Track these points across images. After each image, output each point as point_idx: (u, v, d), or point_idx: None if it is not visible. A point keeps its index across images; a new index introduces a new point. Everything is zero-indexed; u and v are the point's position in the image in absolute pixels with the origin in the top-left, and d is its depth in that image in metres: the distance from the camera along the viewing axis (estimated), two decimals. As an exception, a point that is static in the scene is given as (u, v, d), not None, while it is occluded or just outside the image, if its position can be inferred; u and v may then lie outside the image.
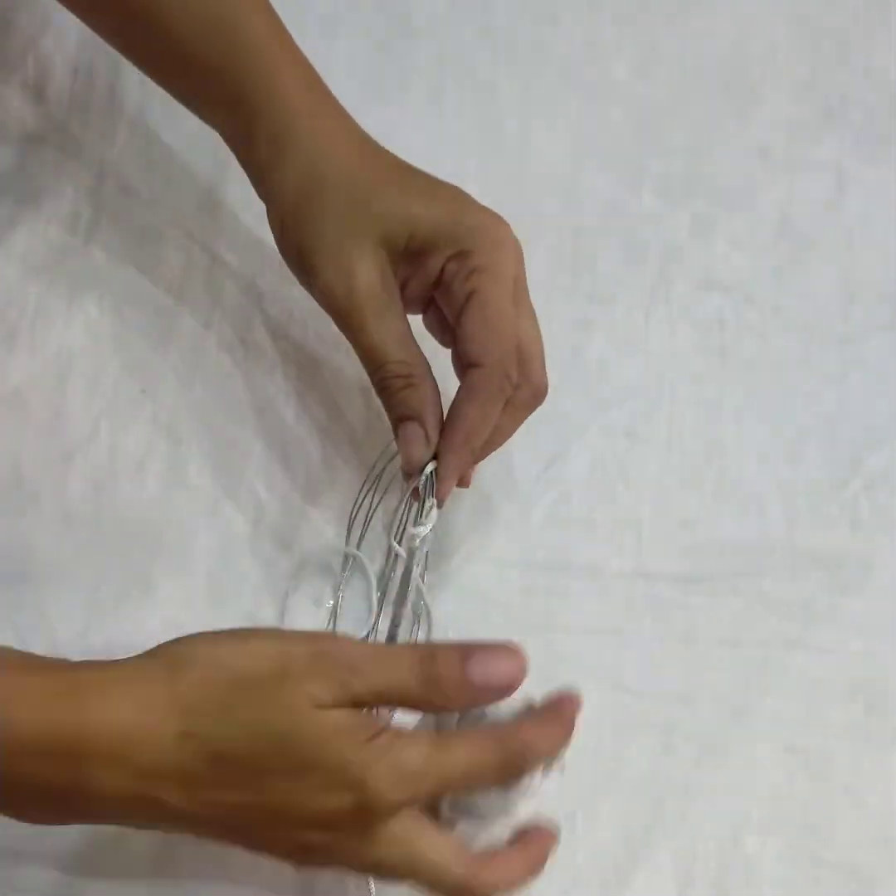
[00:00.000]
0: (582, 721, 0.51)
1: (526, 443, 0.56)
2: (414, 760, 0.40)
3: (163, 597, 0.53)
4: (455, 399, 0.48)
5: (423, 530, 0.49)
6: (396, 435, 0.49)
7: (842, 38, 0.65)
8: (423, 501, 0.49)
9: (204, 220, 0.59)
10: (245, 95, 0.49)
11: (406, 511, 0.51)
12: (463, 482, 0.51)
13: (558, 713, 0.44)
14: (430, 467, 0.48)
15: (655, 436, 0.57)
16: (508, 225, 0.49)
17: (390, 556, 0.53)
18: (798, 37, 0.66)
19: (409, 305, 0.50)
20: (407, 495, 0.51)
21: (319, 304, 0.50)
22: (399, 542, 0.51)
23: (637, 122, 0.64)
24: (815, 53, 0.65)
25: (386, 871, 0.42)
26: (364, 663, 0.41)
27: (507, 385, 0.48)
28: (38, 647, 0.51)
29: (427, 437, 0.48)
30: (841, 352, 0.59)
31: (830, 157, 0.63)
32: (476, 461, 0.50)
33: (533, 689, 0.52)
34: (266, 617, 0.53)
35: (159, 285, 0.58)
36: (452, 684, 0.41)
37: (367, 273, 0.48)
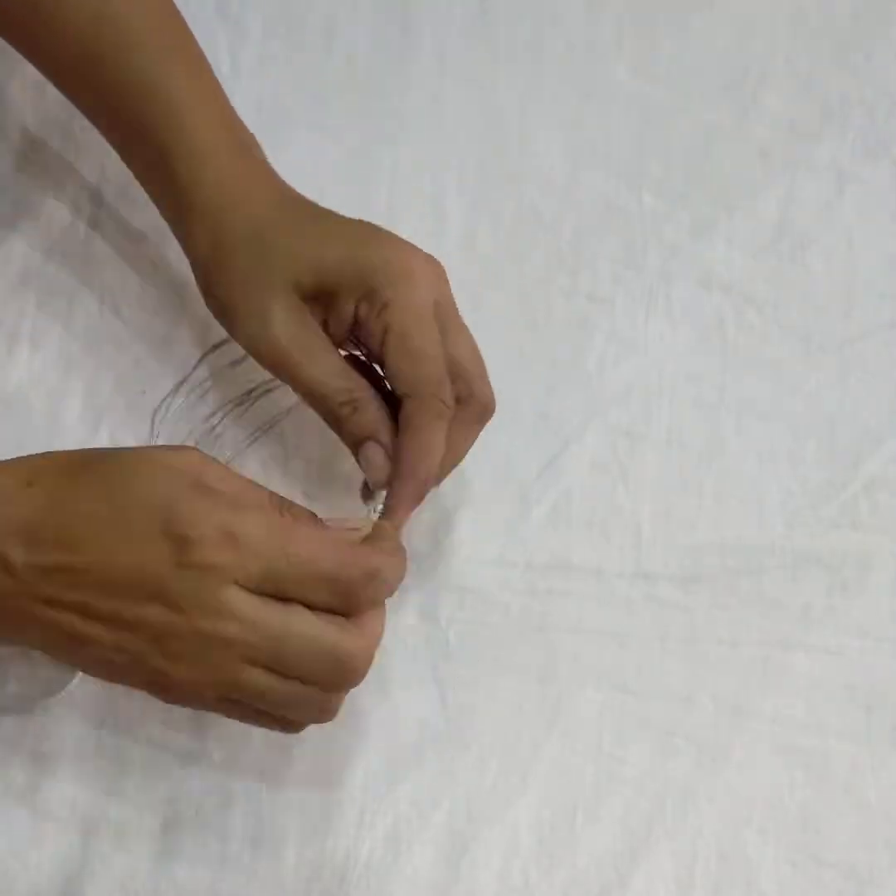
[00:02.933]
0: (582, 721, 0.52)
1: (526, 443, 0.57)
2: (251, 528, 0.41)
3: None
4: (399, 432, 0.48)
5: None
6: (359, 461, 0.49)
7: (842, 38, 0.66)
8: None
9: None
10: (162, 147, 0.50)
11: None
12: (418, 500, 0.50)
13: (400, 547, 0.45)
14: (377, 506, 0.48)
15: (655, 436, 0.57)
16: (419, 252, 0.49)
17: None
18: (798, 37, 0.66)
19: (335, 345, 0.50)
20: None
21: (255, 359, 0.50)
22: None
23: (637, 122, 0.64)
24: (815, 53, 0.65)
25: (239, 647, 0.41)
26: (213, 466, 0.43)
27: (443, 409, 0.48)
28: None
29: (387, 453, 0.48)
30: (841, 352, 0.59)
31: (830, 157, 0.63)
32: (436, 483, 0.49)
33: (532, 686, 0.52)
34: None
35: (159, 285, 0.58)
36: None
37: (283, 318, 0.48)
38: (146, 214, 0.59)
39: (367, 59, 0.65)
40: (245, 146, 0.52)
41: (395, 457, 0.48)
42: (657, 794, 0.51)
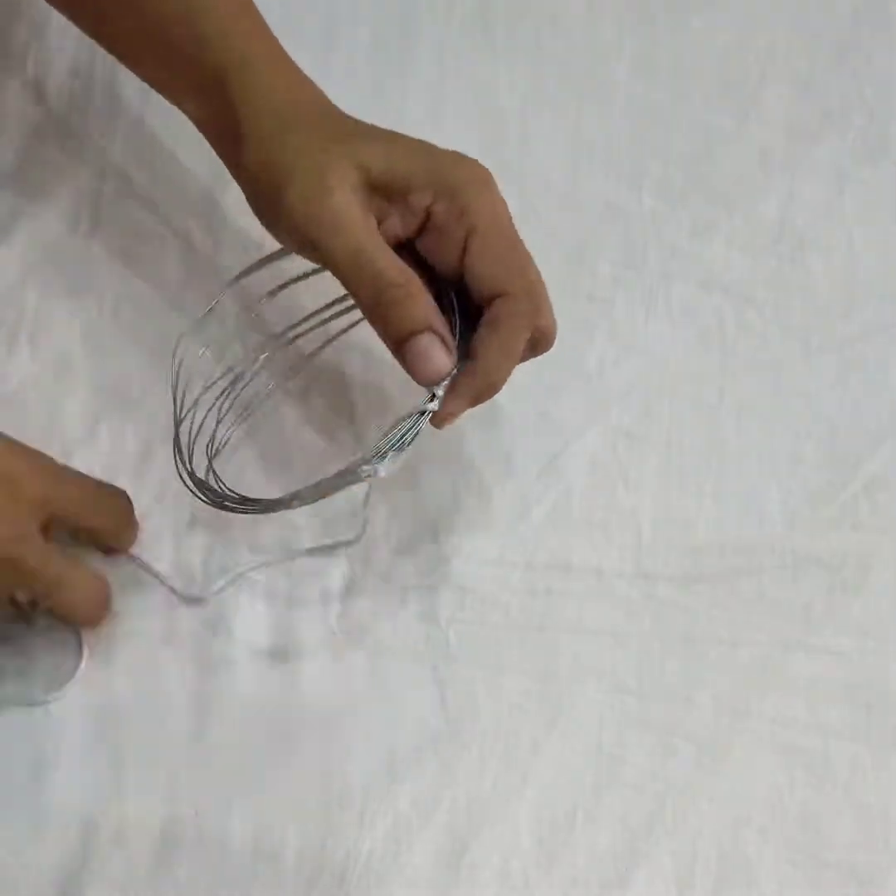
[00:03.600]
0: (582, 721, 0.52)
1: (526, 443, 0.57)
2: None
3: (161, 597, 0.53)
4: (477, 334, 0.46)
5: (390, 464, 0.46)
6: (402, 355, 0.46)
7: (842, 38, 0.66)
8: (404, 434, 0.46)
9: (204, 220, 0.59)
10: (216, 76, 0.49)
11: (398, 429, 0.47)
12: (437, 421, 0.47)
13: None
14: (433, 404, 0.46)
15: (655, 436, 0.57)
16: (486, 168, 0.48)
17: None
18: (798, 37, 0.66)
19: None
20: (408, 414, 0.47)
21: (291, 242, 0.48)
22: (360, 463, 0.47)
23: (637, 123, 0.64)
24: (815, 53, 0.65)
25: None
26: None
27: (531, 312, 0.47)
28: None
29: (445, 343, 0.46)
30: (841, 352, 0.59)
31: (830, 157, 0.63)
32: (497, 391, 0.47)
33: (532, 686, 0.52)
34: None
35: (159, 285, 0.58)
36: None
37: (348, 190, 0.46)
38: (146, 214, 0.59)
39: (367, 59, 0.65)
40: (300, 71, 0.51)
41: (474, 352, 0.46)
42: (657, 794, 0.51)
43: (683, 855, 0.50)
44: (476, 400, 0.47)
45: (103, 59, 0.62)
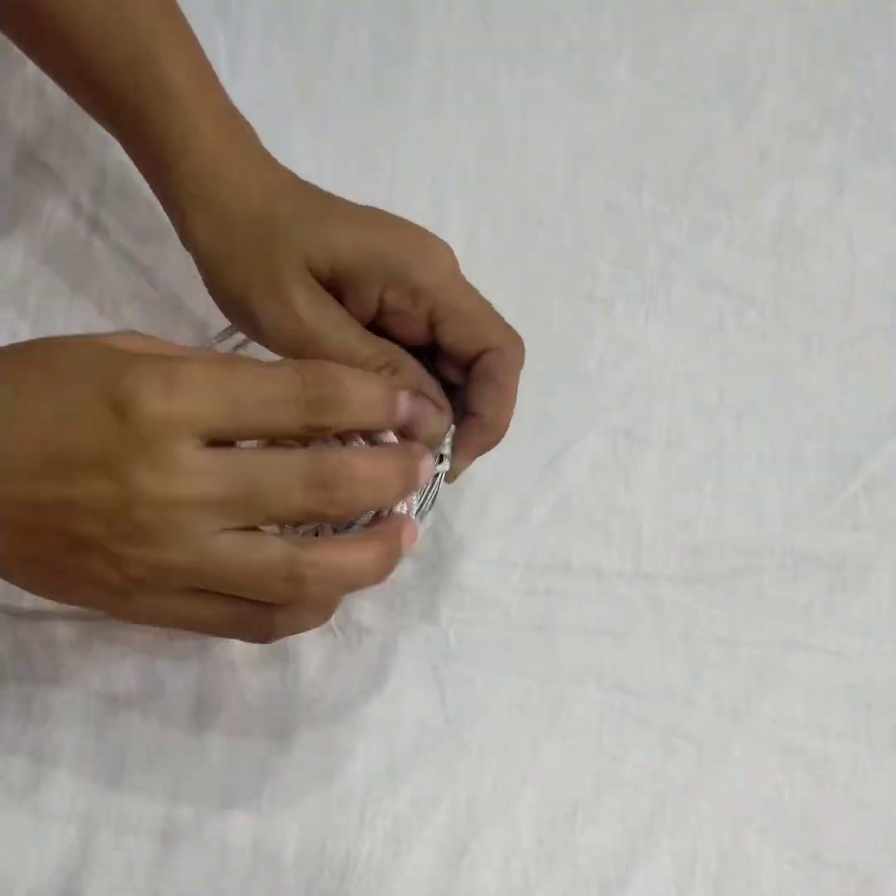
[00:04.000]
0: (582, 721, 0.52)
1: (526, 443, 0.57)
2: (194, 371, 0.37)
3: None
4: (469, 389, 0.47)
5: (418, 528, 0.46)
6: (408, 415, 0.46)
7: (842, 38, 0.65)
8: (424, 499, 0.47)
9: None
10: (161, 139, 0.49)
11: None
12: (450, 478, 0.49)
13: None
14: (443, 465, 0.47)
15: (655, 436, 0.57)
16: (425, 230, 0.48)
17: None
18: (798, 37, 0.66)
19: None
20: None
21: (272, 348, 0.48)
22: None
23: (637, 123, 0.64)
24: (815, 53, 0.65)
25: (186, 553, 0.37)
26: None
27: (520, 357, 0.48)
28: (37, 649, 0.52)
29: (436, 404, 0.47)
30: (841, 352, 0.59)
31: (830, 157, 0.63)
32: (499, 440, 0.49)
33: (532, 686, 0.52)
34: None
35: (159, 286, 0.58)
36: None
37: (304, 297, 0.46)
38: (146, 214, 0.59)
39: (367, 59, 0.65)
40: (243, 134, 0.51)
41: (470, 407, 0.47)
42: (657, 794, 0.51)
43: (683, 855, 0.50)
44: (483, 451, 0.48)
45: (103, 59, 0.62)
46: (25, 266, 0.58)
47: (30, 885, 0.48)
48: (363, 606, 0.53)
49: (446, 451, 0.47)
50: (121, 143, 0.52)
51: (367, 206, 0.48)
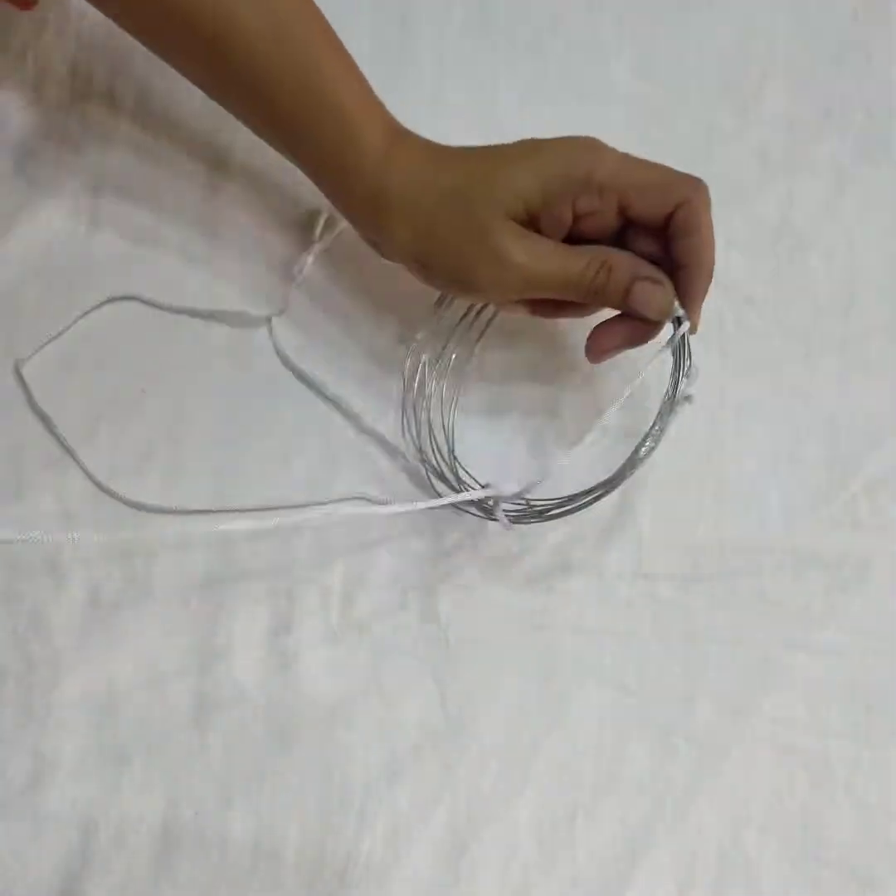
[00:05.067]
0: (582, 721, 0.52)
1: (526, 443, 0.57)
2: None
3: (161, 599, 0.53)
4: (674, 246, 0.50)
5: (691, 387, 0.51)
6: (629, 311, 0.50)
7: (842, 38, 0.65)
8: (681, 361, 0.51)
9: (203, 219, 0.59)
10: (334, 144, 0.51)
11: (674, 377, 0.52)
12: (693, 330, 0.52)
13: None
14: (683, 326, 0.50)
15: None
16: (573, 136, 0.51)
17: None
18: (798, 37, 0.65)
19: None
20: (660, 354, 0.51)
21: (496, 303, 0.53)
22: (671, 400, 0.52)
23: (637, 123, 0.64)
24: (815, 53, 0.65)
25: None
26: None
27: (706, 196, 0.50)
28: (37, 649, 0.52)
29: (655, 280, 0.50)
30: (841, 352, 0.59)
31: (830, 157, 0.63)
32: (711, 279, 0.51)
33: (532, 686, 0.52)
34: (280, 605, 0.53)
35: (159, 286, 0.58)
36: None
37: (515, 245, 0.49)
38: (146, 214, 0.59)
39: (367, 59, 0.64)
40: (407, 135, 0.53)
41: (680, 261, 0.50)
42: (657, 794, 0.51)
43: (683, 855, 0.50)
44: (706, 292, 0.51)
45: (103, 59, 0.62)
46: (25, 266, 0.58)
47: (30, 885, 0.48)
48: (363, 606, 0.53)
49: (680, 312, 0.50)
50: (291, 156, 0.53)
51: (520, 141, 0.51)
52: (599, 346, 0.52)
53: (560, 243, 0.50)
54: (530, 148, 0.51)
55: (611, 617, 0.54)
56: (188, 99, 0.60)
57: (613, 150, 0.50)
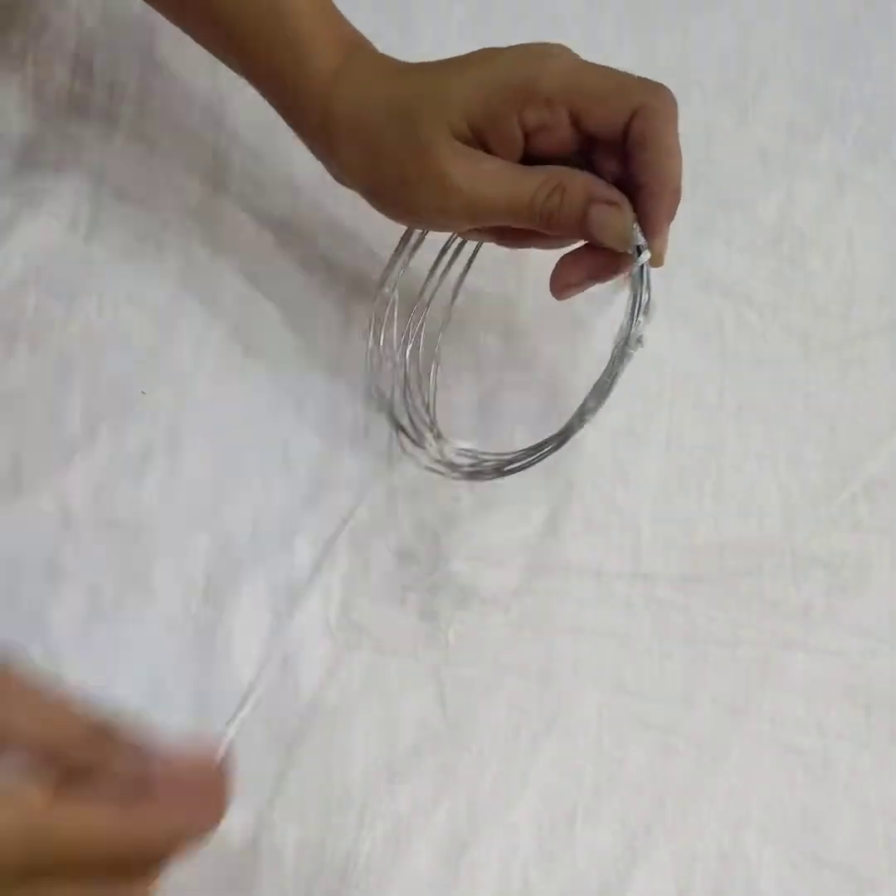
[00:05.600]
0: (582, 721, 0.52)
1: (526, 443, 0.57)
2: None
3: (161, 598, 0.53)
4: (631, 163, 0.46)
5: (643, 326, 0.47)
6: (593, 234, 0.46)
7: (842, 38, 0.65)
8: (639, 296, 0.47)
9: (204, 220, 0.59)
10: (286, 66, 0.49)
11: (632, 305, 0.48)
12: (657, 261, 0.48)
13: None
14: (643, 255, 0.47)
15: (655, 436, 0.57)
16: (535, 42, 0.47)
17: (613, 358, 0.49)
18: (798, 37, 0.66)
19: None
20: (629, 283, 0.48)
21: (446, 229, 0.49)
22: (623, 343, 0.49)
23: (637, 123, 0.64)
24: (815, 53, 0.65)
25: None
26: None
27: (670, 104, 0.46)
28: (37, 649, 0.52)
29: (611, 202, 0.46)
30: (841, 352, 0.59)
31: (830, 157, 0.63)
32: (678, 201, 0.48)
33: (532, 686, 0.52)
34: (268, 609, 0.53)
35: (159, 285, 0.58)
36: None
37: (455, 165, 0.45)
38: (145, 215, 0.59)
39: (367, 59, 0.64)
40: (363, 49, 0.51)
41: (638, 179, 0.46)
42: (657, 794, 0.51)
43: (683, 855, 0.50)
44: (670, 218, 0.47)
45: (103, 60, 0.62)
46: (26, 266, 0.58)
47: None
48: (363, 606, 0.53)
49: (641, 240, 0.47)
50: (245, 75, 0.51)
51: (478, 51, 0.48)
52: (562, 279, 0.49)
53: (510, 163, 0.46)
54: (480, 57, 0.47)
55: (610, 617, 0.54)
56: (188, 99, 0.60)
57: (567, 56, 0.46)
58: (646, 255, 0.47)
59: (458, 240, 0.53)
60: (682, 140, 0.63)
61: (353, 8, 0.66)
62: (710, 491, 0.56)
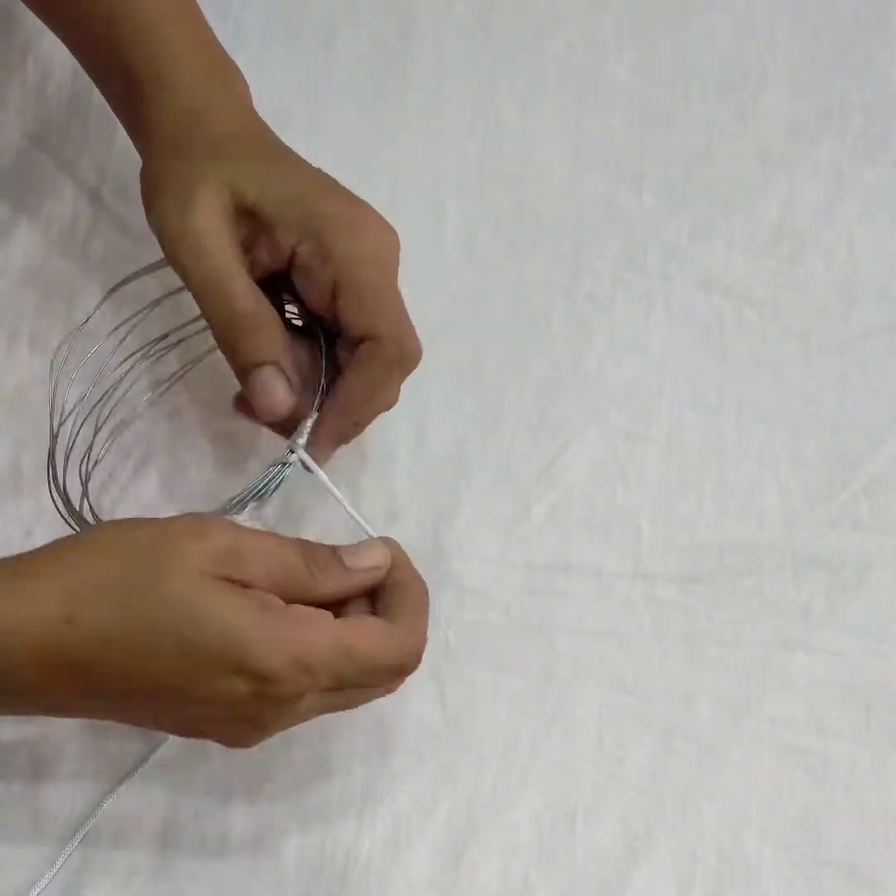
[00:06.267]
0: (582, 721, 0.52)
1: (526, 443, 0.57)
2: (319, 651, 0.40)
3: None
4: (342, 376, 0.47)
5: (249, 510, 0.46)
6: (246, 386, 0.46)
7: (842, 38, 0.65)
8: (263, 489, 0.46)
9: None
10: (132, 65, 0.49)
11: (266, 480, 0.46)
12: (344, 440, 0.49)
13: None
14: (293, 456, 0.46)
15: (655, 436, 0.57)
16: (374, 213, 0.47)
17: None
18: (798, 37, 0.66)
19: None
20: (275, 463, 0.46)
21: (171, 263, 0.48)
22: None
23: (637, 123, 0.64)
24: (815, 53, 0.65)
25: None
26: (246, 540, 0.41)
27: (400, 356, 0.46)
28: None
29: (289, 380, 0.46)
30: (841, 352, 0.59)
31: (830, 157, 0.63)
32: (360, 429, 0.48)
33: (532, 686, 0.52)
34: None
35: (159, 286, 0.58)
36: (331, 567, 0.43)
37: (213, 210, 0.45)
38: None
39: (367, 59, 0.65)
40: (220, 73, 0.50)
41: (338, 391, 0.46)
42: (657, 794, 0.51)
43: (683, 855, 0.50)
44: (341, 440, 0.48)
45: (103, 60, 0.62)
46: (26, 266, 0.58)
47: (30, 885, 0.48)
48: (363, 606, 0.53)
49: (301, 440, 0.46)
50: (98, 85, 0.52)
51: (321, 172, 0.48)
52: (242, 403, 0.49)
53: (249, 278, 0.46)
54: (319, 176, 0.48)
55: (610, 617, 0.54)
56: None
57: (382, 249, 0.47)
58: (294, 458, 0.46)
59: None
60: (682, 140, 0.63)
61: (354, 8, 0.66)
62: (710, 491, 0.56)
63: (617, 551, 0.55)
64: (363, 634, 0.42)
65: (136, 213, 0.59)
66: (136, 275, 0.52)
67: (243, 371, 0.46)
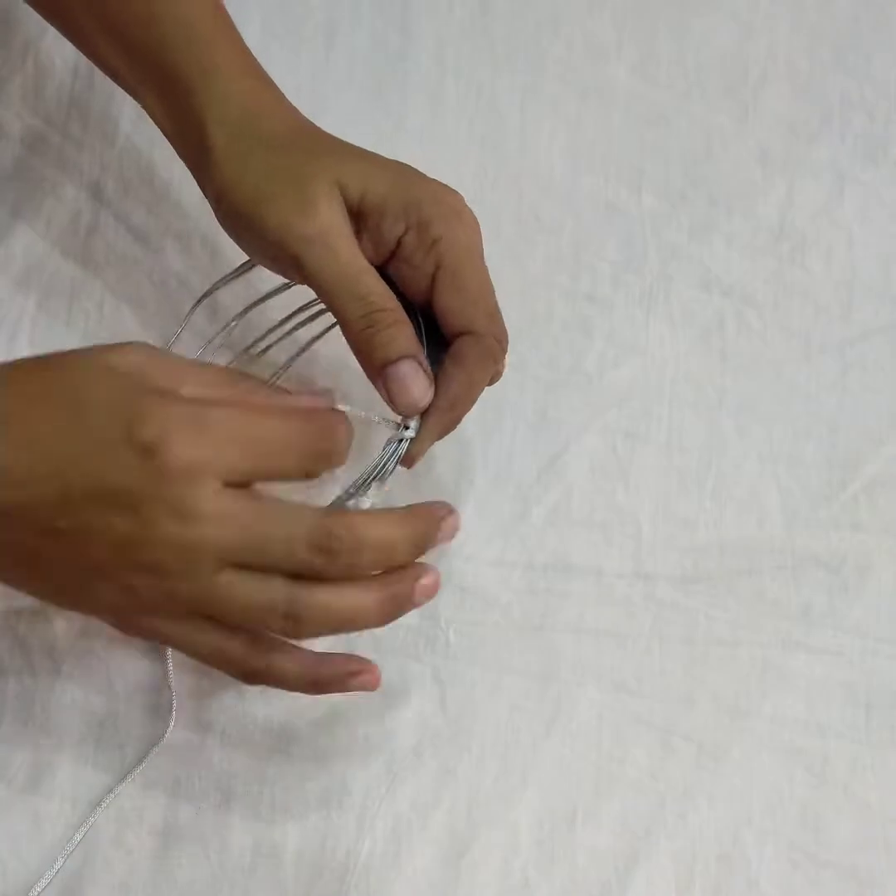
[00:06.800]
0: (582, 721, 0.52)
1: (526, 443, 0.57)
2: (218, 419, 0.38)
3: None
4: (443, 369, 0.47)
5: (373, 494, 0.46)
6: (383, 380, 0.46)
7: (842, 38, 0.65)
8: (384, 466, 0.46)
9: (204, 220, 0.59)
10: (180, 82, 0.48)
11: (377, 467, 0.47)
12: (408, 461, 0.48)
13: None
14: (409, 431, 0.46)
15: (655, 436, 0.57)
16: (461, 196, 0.49)
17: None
18: (798, 37, 0.66)
19: None
20: (386, 448, 0.47)
21: (266, 258, 0.48)
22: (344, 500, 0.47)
23: (637, 123, 0.64)
24: (815, 53, 0.65)
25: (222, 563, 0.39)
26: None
27: (495, 348, 0.47)
28: (37, 648, 0.52)
29: (427, 373, 0.46)
30: (841, 352, 0.59)
31: (830, 157, 0.63)
32: (458, 423, 0.48)
33: (532, 686, 0.52)
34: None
35: (159, 286, 0.58)
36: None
37: (329, 205, 0.46)
38: (146, 215, 0.59)
39: (367, 59, 0.65)
40: (271, 82, 0.50)
41: (438, 387, 0.46)
42: (657, 794, 0.51)
43: (683, 855, 0.50)
44: (443, 434, 0.48)
45: (103, 60, 0.62)
46: (26, 266, 0.58)
47: (29, 885, 0.48)
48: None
49: (412, 421, 0.47)
50: (128, 85, 0.51)
51: (408, 164, 0.49)
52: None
53: (364, 257, 0.46)
54: (411, 168, 0.48)
55: (610, 617, 0.54)
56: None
57: (475, 237, 0.48)
58: (411, 432, 0.46)
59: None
60: (682, 140, 0.63)
61: (354, 8, 0.66)
62: (710, 491, 0.56)
63: (617, 551, 0.55)
64: (273, 408, 0.40)
65: (136, 214, 0.59)
66: (224, 280, 0.53)
67: (381, 366, 0.46)
